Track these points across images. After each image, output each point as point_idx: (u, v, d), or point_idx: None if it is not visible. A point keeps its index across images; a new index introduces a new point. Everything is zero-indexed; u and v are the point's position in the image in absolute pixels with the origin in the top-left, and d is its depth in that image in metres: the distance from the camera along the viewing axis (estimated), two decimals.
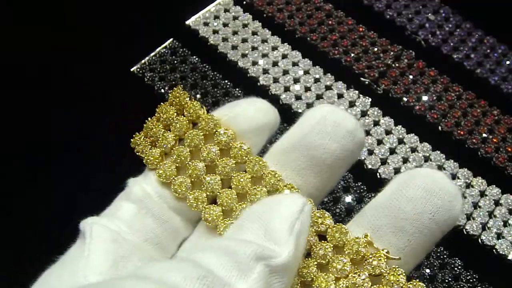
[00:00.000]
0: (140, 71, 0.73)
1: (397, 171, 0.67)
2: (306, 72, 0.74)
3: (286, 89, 0.73)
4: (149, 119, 0.41)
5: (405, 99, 0.72)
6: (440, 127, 0.71)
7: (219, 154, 0.38)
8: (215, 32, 0.78)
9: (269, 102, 0.39)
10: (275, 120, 0.40)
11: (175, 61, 0.74)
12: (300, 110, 0.71)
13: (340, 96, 0.72)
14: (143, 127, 0.41)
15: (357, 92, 0.72)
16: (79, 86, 0.73)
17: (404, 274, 0.36)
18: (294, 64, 0.75)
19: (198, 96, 0.71)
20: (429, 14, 0.80)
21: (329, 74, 0.74)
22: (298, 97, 0.72)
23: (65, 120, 0.70)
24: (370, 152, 0.68)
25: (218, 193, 0.39)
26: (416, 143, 0.69)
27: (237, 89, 0.72)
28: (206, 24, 0.78)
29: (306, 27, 0.78)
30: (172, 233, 0.39)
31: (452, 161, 0.68)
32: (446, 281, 0.60)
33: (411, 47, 0.76)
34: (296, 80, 0.73)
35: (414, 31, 0.78)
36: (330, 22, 0.78)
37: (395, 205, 0.36)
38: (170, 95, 0.40)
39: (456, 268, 0.61)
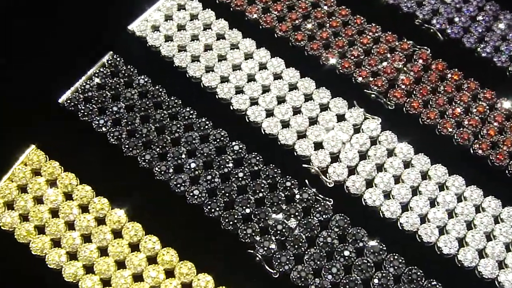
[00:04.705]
0: (71, 103, 0.54)
1: (423, 220, 0.51)
2: (293, 88, 0.56)
3: (269, 113, 0.55)
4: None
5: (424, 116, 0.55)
6: (471, 150, 0.54)
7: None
8: (168, 38, 0.58)
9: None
10: None
11: (118, 85, 0.55)
12: (289, 142, 0.53)
13: (340, 118, 0.55)
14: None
15: (362, 110, 0.55)
16: None
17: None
18: (276, 76, 0.57)
19: (152, 136, 0.53)
20: None
21: (323, 87, 0.56)
22: (285, 124, 0.54)
23: None
24: (387, 195, 0.52)
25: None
26: (444, 177, 0.53)
27: (203, 119, 0.54)
28: (155, 28, 0.59)
29: (287, 24, 0.59)
30: None
31: (492, 197, 0.52)
32: None
33: (425, 42, 0.59)
34: (281, 100, 0.56)
35: (426, 20, 0.61)
36: (317, 14, 0.60)
37: None
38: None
39: None
